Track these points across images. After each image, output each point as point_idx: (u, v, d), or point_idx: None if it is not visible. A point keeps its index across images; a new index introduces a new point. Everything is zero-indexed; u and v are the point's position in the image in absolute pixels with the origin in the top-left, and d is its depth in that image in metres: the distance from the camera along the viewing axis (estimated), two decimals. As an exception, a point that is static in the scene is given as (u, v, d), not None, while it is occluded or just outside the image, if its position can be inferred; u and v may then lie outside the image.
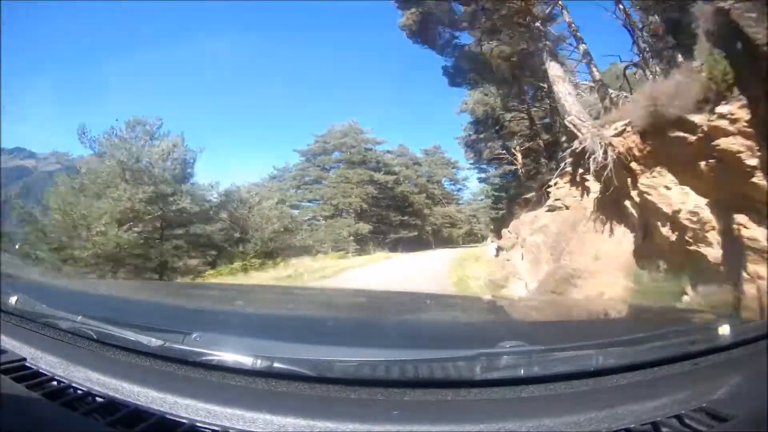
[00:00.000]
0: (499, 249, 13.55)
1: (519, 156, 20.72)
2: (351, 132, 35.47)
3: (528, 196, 13.32)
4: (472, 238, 52.90)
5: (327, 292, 3.54)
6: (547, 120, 18.64)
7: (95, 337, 0.84)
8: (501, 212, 25.46)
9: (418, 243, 36.90)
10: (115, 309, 1.27)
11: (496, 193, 27.62)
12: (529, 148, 20.21)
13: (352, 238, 30.26)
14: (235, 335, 0.88)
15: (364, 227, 31.94)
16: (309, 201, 35.64)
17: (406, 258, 21.69)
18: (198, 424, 0.60)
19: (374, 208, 35.55)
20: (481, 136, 23.10)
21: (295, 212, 31.55)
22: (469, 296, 3.99)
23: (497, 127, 21.31)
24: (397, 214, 36.83)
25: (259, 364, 0.69)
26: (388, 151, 38.54)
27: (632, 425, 0.59)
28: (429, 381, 0.68)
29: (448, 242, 47.83)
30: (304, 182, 36.06)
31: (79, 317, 0.89)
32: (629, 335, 0.82)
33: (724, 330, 0.83)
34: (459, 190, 52.69)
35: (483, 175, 32.77)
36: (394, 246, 33.60)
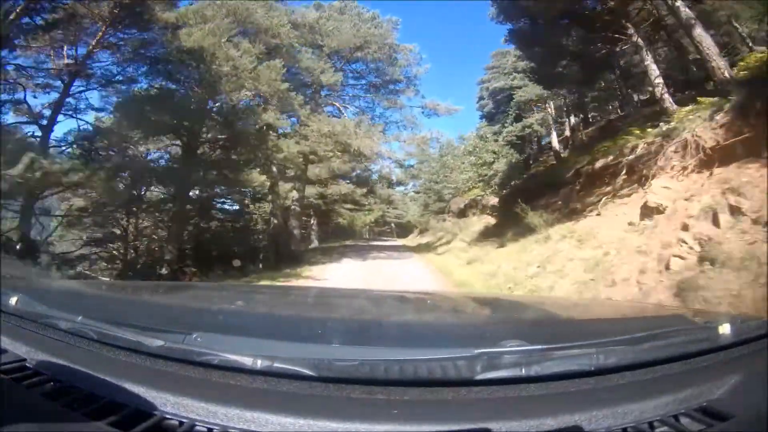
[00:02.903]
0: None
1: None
2: None
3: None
4: (385, 230, 32.42)
5: (327, 291, 3.54)
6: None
7: (95, 337, 0.84)
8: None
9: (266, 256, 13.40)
10: (115, 309, 1.27)
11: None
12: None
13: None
14: (236, 335, 0.88)
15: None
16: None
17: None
18: (198, 424, 0.60)
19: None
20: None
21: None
22: (469, 295, 3.99)
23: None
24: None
25: (259, 363, 0.69)
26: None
27: (633, 424, 0.59)
28: (429, 380, 0.68)
29: (347, 237, 24.52)
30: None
31: (79, 317, 0.89)
32: (629, 335, 0.82)
33: (724, 329, 0.82)
34: (401, 111, 18.70)
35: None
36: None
